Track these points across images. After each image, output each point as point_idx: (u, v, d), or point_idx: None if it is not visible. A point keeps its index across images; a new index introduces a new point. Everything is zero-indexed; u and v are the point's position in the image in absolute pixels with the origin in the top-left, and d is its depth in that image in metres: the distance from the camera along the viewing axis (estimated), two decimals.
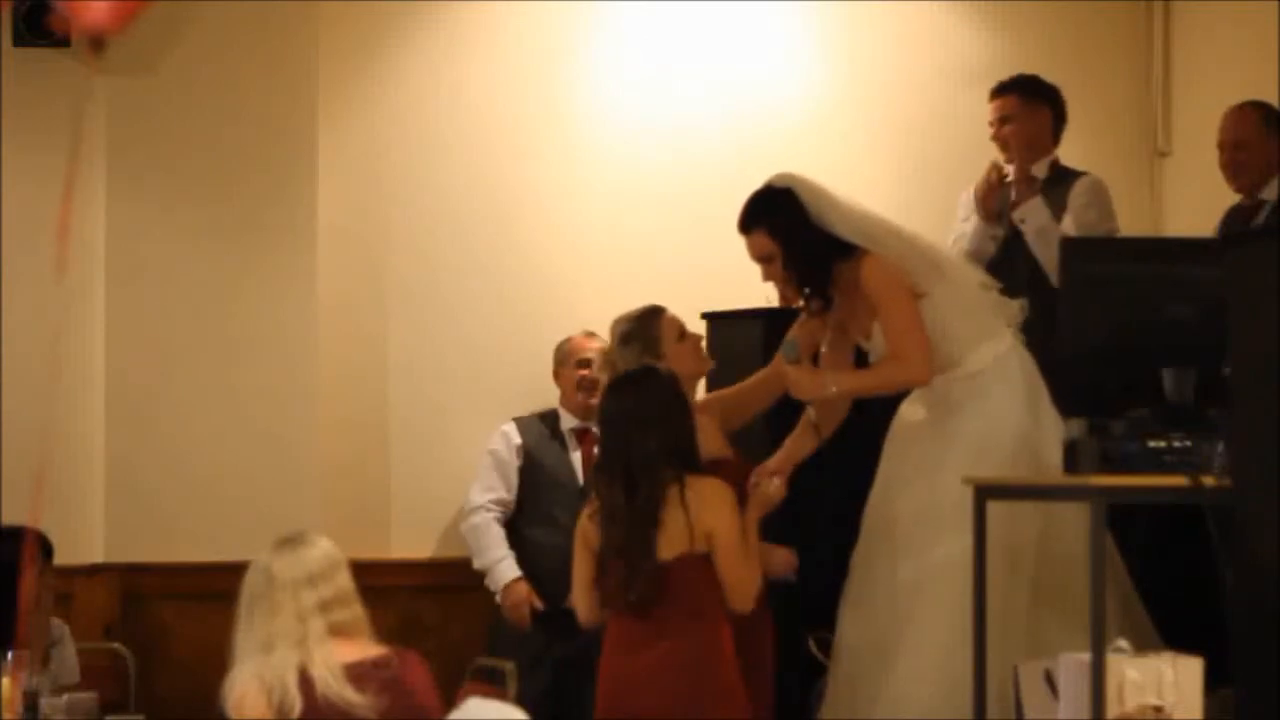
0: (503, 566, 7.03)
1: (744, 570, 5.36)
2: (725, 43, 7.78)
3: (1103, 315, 5.36)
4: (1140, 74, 8.13)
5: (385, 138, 7.46)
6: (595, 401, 6.78)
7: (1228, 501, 4.74)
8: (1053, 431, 5.51)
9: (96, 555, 6.93)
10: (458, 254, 7.47)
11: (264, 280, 7.12)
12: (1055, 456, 5.24)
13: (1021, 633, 5.55)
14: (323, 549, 4.51)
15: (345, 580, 4.51)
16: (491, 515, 7.09)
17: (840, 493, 5.96)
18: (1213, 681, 4.87)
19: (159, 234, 7.05)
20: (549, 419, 7.22)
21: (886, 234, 5.82)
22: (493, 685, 5.93)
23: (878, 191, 7.42)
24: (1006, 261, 6.70)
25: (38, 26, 6.81)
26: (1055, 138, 6.91)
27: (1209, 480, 4.93)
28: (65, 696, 5.40)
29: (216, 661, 4.54)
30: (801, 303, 5.90)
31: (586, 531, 5.47)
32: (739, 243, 5.89)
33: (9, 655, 5.05)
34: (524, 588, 6.98)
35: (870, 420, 5.95)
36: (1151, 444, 5.03)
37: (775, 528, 5.69)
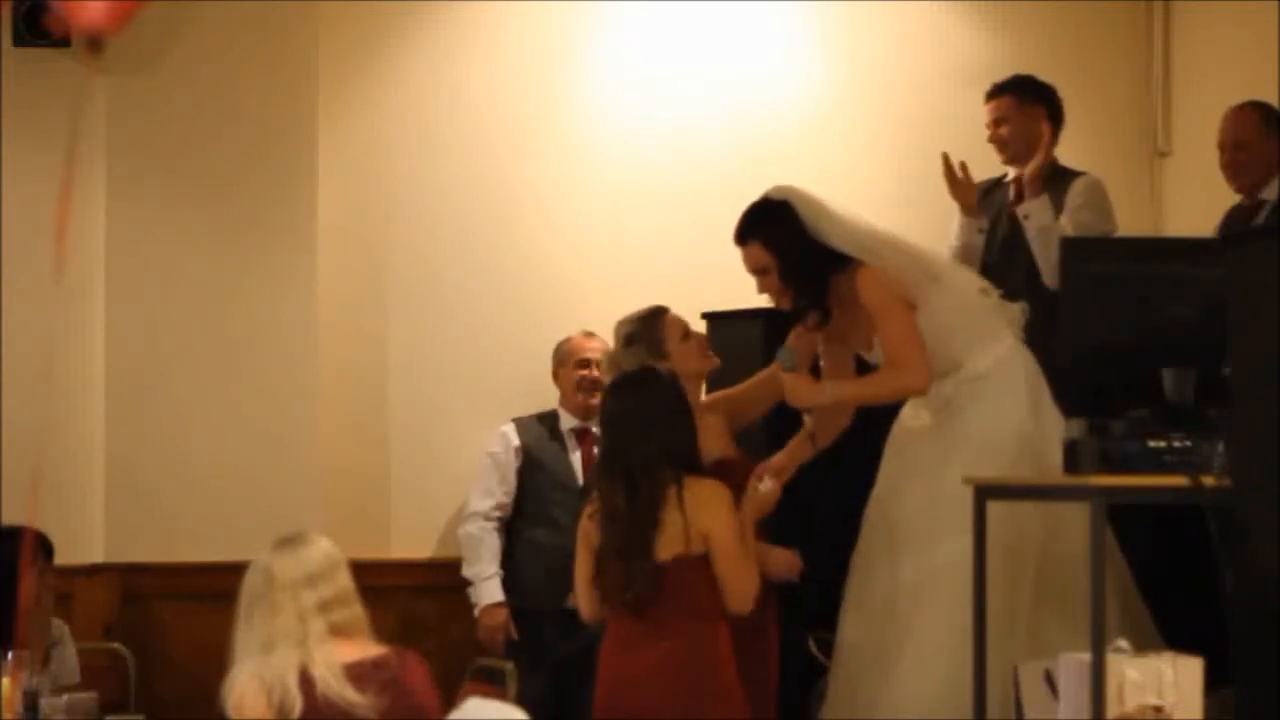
0: (488, 586, 7.01)
1: (741, 571, 5.36)
2: (725, 43, 7.78)
3: (1103, 315, 5.35)
4: (1140, 74, 8.13)
5: (385, 138, 7.46)
6: (595, 402, 6.81)
7: (1228, 501, 4.74)
8: (1055, 432, 5.49)
9: (96, 555, 6.92)
10: (458, 254, 7.47)
11: (264, 280, 7.11)
12: (1057, 457, 5.22)
13: (1022, 633, 5.55)
14: (322, 549, 4.51)
15: (345, 580, 4.51)
16: (490, 525, 7.08)
17: (840, 493, 5.96)
18: (1213, 681, 4.87)
19: (159, 234, 7.04)
20: (548, 419, 7.22)
21: (883, 245, 5.80)
22: (493, 685, 5.94)
23: (878, 191, 7.43)
24: (1005, 263, 6.69)
25: (37, 26, 6.81)
26: (1053, 137, 6.89)
27: (1209, 480, 4.93)
28: (65, 696, 5.40)
29: (216, 661, 4.53)
30: (797, 315, 5.88)
31: (587, 531, 5.47)
32: None
33: (9, 655, 5.04)
34: (503, 614, 6.97)
35: (872, 423, 5.94)
36: (1151, 444, 5.03)
37: (776, 528, 5.69)
